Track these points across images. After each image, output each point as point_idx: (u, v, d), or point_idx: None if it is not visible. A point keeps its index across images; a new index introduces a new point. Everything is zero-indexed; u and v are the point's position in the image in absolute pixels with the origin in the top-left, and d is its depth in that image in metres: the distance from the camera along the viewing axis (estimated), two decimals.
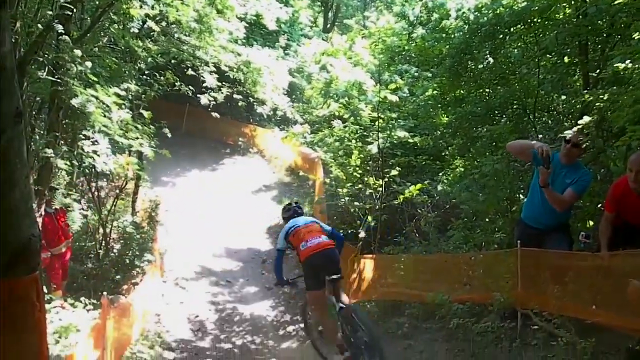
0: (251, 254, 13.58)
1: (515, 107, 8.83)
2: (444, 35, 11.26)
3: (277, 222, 15.19)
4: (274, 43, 20.12)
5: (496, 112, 9.22)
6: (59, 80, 8.20)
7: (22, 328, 2.54)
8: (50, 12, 8.41)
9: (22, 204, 2.40)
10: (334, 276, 6.65)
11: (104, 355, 6.56)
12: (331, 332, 6.79)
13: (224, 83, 14.58)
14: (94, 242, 10.58)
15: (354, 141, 11.94)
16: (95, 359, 6.22)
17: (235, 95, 15.33)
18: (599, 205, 6.41)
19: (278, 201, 16.79)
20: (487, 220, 8.32)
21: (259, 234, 14.55)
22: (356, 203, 11.68)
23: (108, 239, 10.62)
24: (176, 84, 12.27)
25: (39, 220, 8.21)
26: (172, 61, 13.92)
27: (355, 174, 11.83)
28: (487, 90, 9.36)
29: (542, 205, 5.94)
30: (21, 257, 2.45)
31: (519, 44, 8.94)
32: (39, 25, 8.28)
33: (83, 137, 9.60)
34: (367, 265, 9.71)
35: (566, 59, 7.98)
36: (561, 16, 7.75)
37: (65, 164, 8.94)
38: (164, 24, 12.23)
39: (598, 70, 7.20)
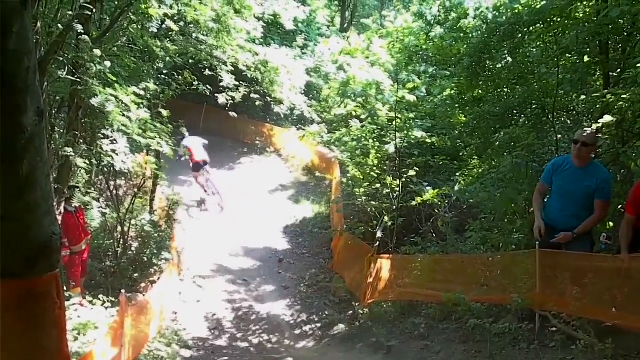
0: (268, 253, 13.59)
1: (534, 107, 8.76)
2: (462, 34, 11.23)
3: (294, 221, 15.22)
4: (291, 42, 20.13)
5: (515, 112, 9.16)
6: (78, 80, 8.27)
7: (42, 325, 2.57)
8: (70, 13, 8.49)
9: (43, 202, 2.42)
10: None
11: (121, 352, 6.61)
12: None
13: (241, 82, 14.63)
14: (112, 240, 10.65)
15: (371, 141, 11.91)
16: (113, 357, 6.27)
17: (252, 95, 15.36)
18: (619, 207, 6.35)
19: (295, 200, 16.80)
20: (505, 221, 8.26)
21: (275, 233, 14.55)
22: (373, 203, 11.66)
23: (126, 237, 10.68)
24: (194, 83, 12.31)
25: (59, 218, 8.29)
26: (190, 61, 14.00)
27: (372, 173, 11.82)
28: (506, 90, 9.31)
29: (562, 211, 5.92)
30: (42, 255, 2.47)
31: (538, 44, 8.87)
32: (59, 25, 8.36)
33: (102, 136, 9.68)
34: (384, 266, 9.68)
35: (586, 59, 7.90)
36: (581, 15, 7.67)
37: (85, 163, 9.01)
38: (182, 23, 12.29)
39: (619, 70, 7.12)
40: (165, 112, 10.41)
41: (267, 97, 16.99)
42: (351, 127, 12.60)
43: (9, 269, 2.39)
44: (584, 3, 7.54)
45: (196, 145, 15.16)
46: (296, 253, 13.41)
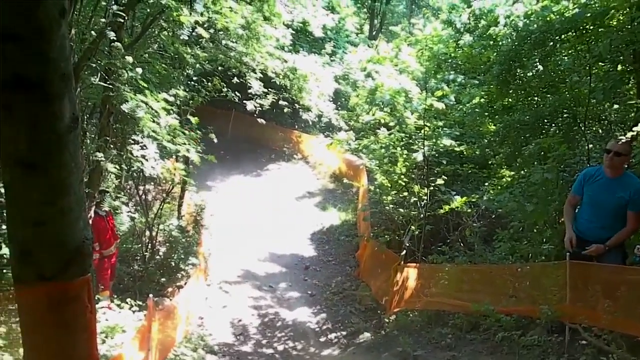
0: (294, 259, 13.61)
1: (565, 116, 8.64)
2: (491, 42, 11.12)
3: (320, 228, 15.22)
4: (320, 50, 20.20)
5: (545, 121, 9.04)
6: (110, 86, 8.39)
7: (74, 328, 2.60)
8: (103, 20, 8.62)
9: (77, 207, 2.46)
10: None
11: (148, 356, 6.66)
12: None
13: (270, 89, 14.71)
14: (140, 245, 10.77)
15: (399, 149, 11.87)
16: None
17: (280, 102, 15.45)
18: None
19: (322, 207, 16.82)
20: (534, 231, 8.15)
21: (302, 240, 14.58)
22: (400, 211, 11.62)
23: (154, 241, 10.79)
24: (223, 90, 12.41)
25: (90, 222, 8.39)
26: (220, 67, 14.10)
27: (400, 181, 11.77)
28: (536, 98, 9.19)
29: (594, 222, 5.83)
30: (75, 260, 2.50)
31: (570, 52, 8.75)
32: (92, 32, 8.50)
33: (132, 142, 9.80)
34: (411, 274, 9.62)
35: (619, 67, 7.78)
36: (615, 23, 7.56)
37: (115, 168, 9.13)
38: (212, 30, 12.40)
39: None
40: (194, 119, 10.51)
41: (296, 104, 17.07)
42: (379, 134, 12.58)
43: (42, 273, 2.42)
44: (619, 11, 7.42)
45: None
46: (322, 260, 13.41)
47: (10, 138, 2.07)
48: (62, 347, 2.58)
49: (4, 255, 6.52)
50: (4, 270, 6.86)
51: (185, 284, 10.29)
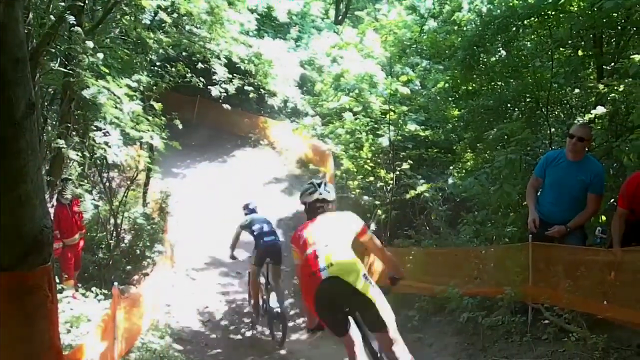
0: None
1: (528, 100, 8.77)
2: (455, 27, 11.20)
3: (287, 215, 15.20)
4: (285, 35, 20.07)
5: (509, 105, 9.17)
6: (71, 72, 8.22)
7: (35, 318, 2.56)
8: (62, 4, 8.43)
9: (35, 195, 2.41)
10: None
11: (114, 345, 6.59)
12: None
13: (235, 75, 14.57)
14: (105, 233, 10.61)
15: (364, 134, 11.90)
16: (106, 349, 6.24)
17: (246, 87, 15.32)
18: (612, 201, 6.37)
19: (289, 193, 16.79)
20: (498, 214, 8.27)
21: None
22: (366, 197, 11.67)
23: (119, 229, 10.64)
24: (187, 75, 12.26)
25: (51, 211, 8.24)
26: (184, 53, 13.93)
27: (366, 166, 11.82)
28: (500, 83, 9.30)
29: (555, 204, 5.93)
30: (34, 249, 2.46)
31: (533, 37, 8.87)
32: (52, 17, 8.29)
33: (94, 129, 9.63)
34: (377, 258, 9.68)
35: (580, 52, 7.91)
36: (576, 8, 7.67)
37: (77, 155, 8.96)
38: (175, 15, 12.22)
39: (613, 64, 7.13)
40: (157, 105, 10.36)
41: (261, 90, 16.95)
42: (345, 120, 12.59)
43: (1, 264, 2.37)
44: None
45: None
46: (290, 245, 13.40)
47: None
48: (22, 337, 2.55)
49: None
50: None
51: (151, 271, 10.20)
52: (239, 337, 9.54)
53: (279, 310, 8.85)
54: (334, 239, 4.46)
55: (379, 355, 4.69)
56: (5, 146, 2.08)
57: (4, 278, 2.40)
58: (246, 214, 9.96)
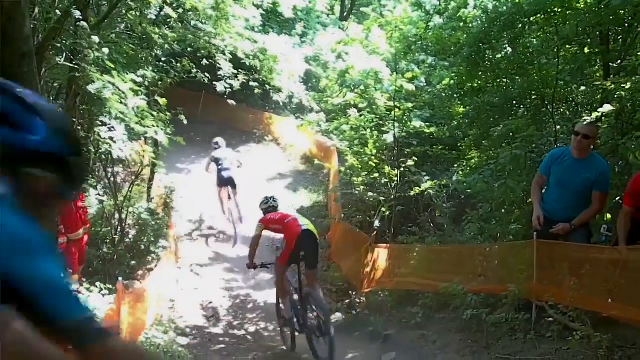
0: (265, 241, 13.47)
1: (533, 97, 8.76)
2: (461, 24, 11.16)
3: (291, 210, 15.20)
4: (290, 31, 20.02)
5: (514, 102, 9.15)
6: (76, 67, 8.22)
7: None
8: None
9: None
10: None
11: None
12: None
13: (240, 70, 14.54)
14: (109, 228, 10.64)
15: (369, 130, 11.89)
16: None
17: (251, 83, 15.28)
18: (618, 199, 6.35)
19: (293, 189, 16.79)
20: (503, 211, 8.26)
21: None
22: (370, 194, 11.66)
23: (124, 224, 10.66)
24: (192, 71, 12.25)
25: None
26: (189, 48, 13.90)
27: (370, 163, 11.81)
28: (505, 80, 9.28)
29: (560, 202, 5.92)
30: None
31: (539, 34, 8.84)
32: (57, 12, 8.29)
33: (100, 124, 9.63)
34: (382, 255, 9.70)
35: (587, 49, 7.88)
36: (582, 5, 7.64)
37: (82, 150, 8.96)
38: (180, 10, 12.21)
39: (619, 61, 7.10)
40: (162, 100, 10.36)
41: (266, 86, 16.91)
42: (349, 116, 12.57)
43: None
44: None
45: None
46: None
47: None
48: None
49: None
50: None
51: (156, 266, 10.22)
52: (243, 332, 9.55)
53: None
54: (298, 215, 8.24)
55: (302, 289, 7.70)
56: None
57: None
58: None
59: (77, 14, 7.96)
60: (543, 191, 6.31)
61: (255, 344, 9.02)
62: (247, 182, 16.44)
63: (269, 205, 8.84)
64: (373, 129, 11.86)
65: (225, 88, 13.85)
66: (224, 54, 13.23)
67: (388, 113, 11.65)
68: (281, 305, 8.22)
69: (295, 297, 7.95)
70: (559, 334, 5.65)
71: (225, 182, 13.28)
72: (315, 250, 7.76)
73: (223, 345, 8.96)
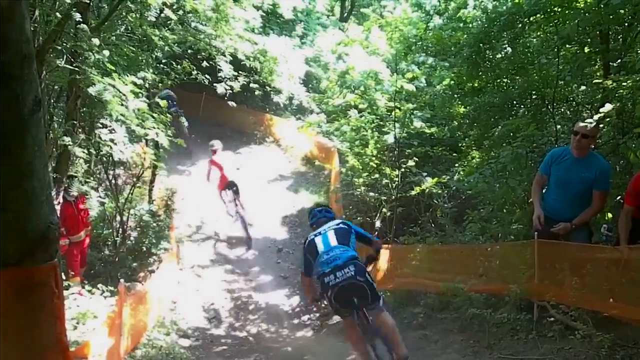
0: (267, 242, 13.59)
1: (533, 97, 8.75)
2: (461, 24, 11.15)
3: (292, 212, 15.22)
4: (290, 32, 20.03)
5: (514, 102, 9.15)
6: (77, 69, 8.23)
7: (41, 315, 2.56)
8: (68, 1, 8.43)
9: (41, 192, 2.41)
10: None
11: (120, 341, 6.63)
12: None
13: (240, 72, 14.56)
14: (111, 230, 10.65)
15: (370, 131, 11.89)
16: (112, 346, 6.28)
17: (251, 84, 15.29)
18: (619, 198, 6.35)
19: (294, 190, 16.79)
20: (504, 211, 8.26)
21: (274, 223, 14.54)
22: (372, 194, 11.67)
23: (125, 226, 10.67)
24: (193, 72, 12.26)
25: (57, 208, 8.26)
26: (189, 50, 13.92)
27: (371, 163, 11.81)
28: (506, 80, 9.28)
29: (560, 201, 5.93)
30: (40, 245, 2.46)
31: (539, 34, 8.84)
32: (58, 14, 8.30)
33: (100, 126, 9.65)
34: (383, 255, 9.70)
35: (586, 49, 7.88)
36: (582, 5, 7.64)
37: (83, 152, 8.98)
38: (180, 12, 12.22)
39: (619, 60, 7.10)
40: (162, 102, 10.37)
41: (266, 87, 16.93)
42: (350, 117, 12.58)
43: (6, 259, 2.38)
44: None
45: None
46: (295, 243, 13.41)
47: None
48: (29, 334, 2.55)
49: None
50: None
51: (157, 268, 10.24)
52: (245, 334, 9.57)
53: None
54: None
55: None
56: (12, 142, 2.08)
57: (10, 273, 2.41)
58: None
59: (78, 16, 7.97)
60: (543, 191, 6.32)
61: (257, 345, 9.03)
62: (248, 183, 16.48)
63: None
64: (374, 129, 11.87)
65: (226, 89, 13.86)
66: (224, 56, 13.25)
67: (388, 114, 11.67)
68: None
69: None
70: (561, 333, 5.65)
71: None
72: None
73: (225, 347, 8.97)
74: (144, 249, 10.72)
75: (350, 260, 5.58)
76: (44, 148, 2.43)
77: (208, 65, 13.48)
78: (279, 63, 15.53)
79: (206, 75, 12.91)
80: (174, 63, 12.14)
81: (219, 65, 13.37)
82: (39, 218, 2.43)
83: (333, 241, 5.80)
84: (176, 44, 12.54)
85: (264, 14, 16.15)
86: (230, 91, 13.87)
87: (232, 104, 15.79)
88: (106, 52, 8.59)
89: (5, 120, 2.04)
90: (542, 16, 8.13)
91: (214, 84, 13.76)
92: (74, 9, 8.00)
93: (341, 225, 6.07)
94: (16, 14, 1.97)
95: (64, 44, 8.39)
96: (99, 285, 8.79)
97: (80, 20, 8.08)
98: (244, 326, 9.86)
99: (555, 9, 7.89)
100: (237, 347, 8.98)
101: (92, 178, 10.61)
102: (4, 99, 2.00)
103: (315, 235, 5.98)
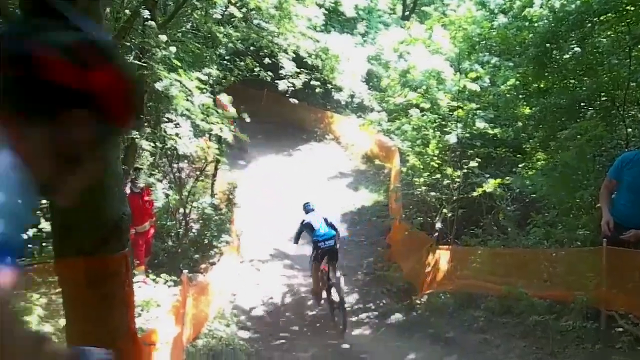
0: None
1: (603, 99, 8.49)
2: (527, 23, 10.91)
3: (351, 209, 15.19)
4: (352, 30, 20.03)
5: (582, 104, 8.89)
6: (144, 65, 8.43)
7: (113, 302, 2.65)
8: None
9: (114, 183, 2.49)
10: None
11: (183, 330, 6.76)
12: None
13: (302, 69, 14.65)
14: (174, 222, 10.89)
15: (431, 130, 11.76)
16: (176, 334, 6.41)
17: (312, 82, 15.38)
18: None
19: (353, 188, 16.77)
20: (570, 216, 8.04)
21: (333, 221, 14.54)
22: (432, 193, 11.54)
23: (188, 218, 10.90)
24: (255, 69, 12.40)
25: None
26: (252, 47, 14.08)
27: (432, 163, 11.66)
28: (573, 81, 9.04)
29: (631, 207, 5.71)
30: (114, 235, 2.54)
31: (609, 33, 8.56)
32: (127, 11, 8.53)
33: (166, 120, 9.87)
34: (443, 256, 9.59)
35: None
36: None
37: (149, 145, 9.21)
38: (244, 10, 12.38)
39: None
40: (226, 98, 10.53)
41: (328, 85, 16.98)
42: (411, 116, 12.46)
43: (83, 248, 2.46)
44: None
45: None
46: (354, 241, 13.39)
47: None
48: (102, 320, 2.63)
49: (43, 229, 6.63)
50: (44, 244, 7.00)
51: (218, 260, 10.40)
52: (302, 329, 9.61)
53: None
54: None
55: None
56: None
57: (86, 262, 2.49)
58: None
59: (146, 13, 8.18)
60: (612, 196, 6.10)
61: (314, 340, 9.05)
62: (307, 180, 16.57)
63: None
64: (435, 129, 11.72)
65: (287, 86, 13.99)
66: (286, 53, 13.36)
67: (451, 113, 11.50)
68: None
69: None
70: (630, 345, 5.45)
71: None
72: None
73: (283, 341, 9.04)
74: (206, 241, 10.92)
75: (332, 237, 9.70)
76: (117, 141, 2.50)
77: (270, 62, 13.62)
78: (340, 61, 15.54)
79: (268, 72, 13.04)
80: (237, 60, 12.31)
81: (281, 62, 13.49)
82: (112, 209, 2.50)
83: (323, 225, 9.87)
84: (239, 41, 12.71)
85: (326, 12, 16.20)
86: (292, 88, 13.98)
87: (293, 100, 15.93)
88: (173, 49, 8.78)
89: None
90: (613, 15, 7.88)
91: (276, 81, 13.90)
92: (142, 7, 8.20)
93: (325, 217, 10.12)
94: (93, 13, 2.04)
95: (133, 41, 8.61)
96: (163, 275, 9.00)
97: (148, 17, 8.29)
98: (302, 321, 9.91)
99: (628, 7, 7.62)
100: (294, 341, 9.03)
101: (157, 170, 10.88)
102: None
103: (310, 219, 9.95)
